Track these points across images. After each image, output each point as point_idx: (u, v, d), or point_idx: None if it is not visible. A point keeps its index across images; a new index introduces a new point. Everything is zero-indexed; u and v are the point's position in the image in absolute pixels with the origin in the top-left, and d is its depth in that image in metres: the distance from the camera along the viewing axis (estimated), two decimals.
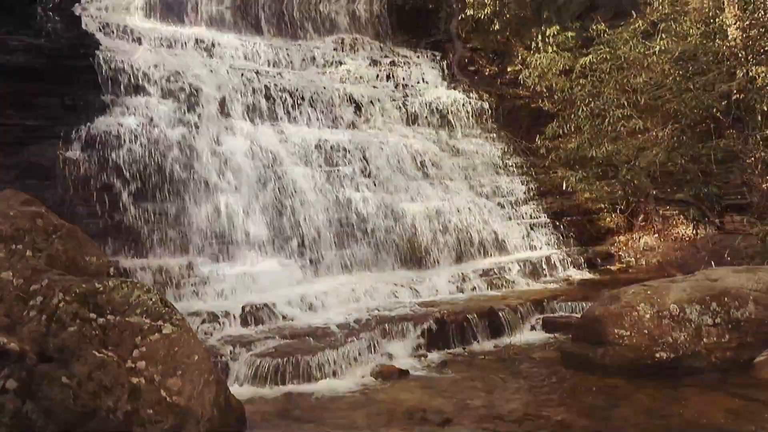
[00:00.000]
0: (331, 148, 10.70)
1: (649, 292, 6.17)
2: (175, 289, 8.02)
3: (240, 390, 5.61)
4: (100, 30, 10.58)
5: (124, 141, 8.59)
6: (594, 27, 13.85)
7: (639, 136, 10.36)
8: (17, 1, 9.15)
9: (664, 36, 11.55)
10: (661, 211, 12.45)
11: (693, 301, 5.91)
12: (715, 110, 9.68)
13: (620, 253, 12.31)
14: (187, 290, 8.08)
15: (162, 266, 8.18)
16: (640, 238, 12.43)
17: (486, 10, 14.70)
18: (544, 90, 14.05)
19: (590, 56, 12.60)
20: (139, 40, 11.05)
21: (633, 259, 12.10)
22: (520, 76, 14.50)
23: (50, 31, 9.21)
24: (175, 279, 8.12)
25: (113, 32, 10.85)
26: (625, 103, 10.87)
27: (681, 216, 12.10)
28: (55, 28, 9.29)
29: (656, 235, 12.35)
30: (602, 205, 13.39)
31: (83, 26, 9.94)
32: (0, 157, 7.86)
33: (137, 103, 9.25)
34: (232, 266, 8.68)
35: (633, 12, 12.90)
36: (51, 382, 3.80)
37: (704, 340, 5.74)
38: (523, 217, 12.49)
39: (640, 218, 12.88)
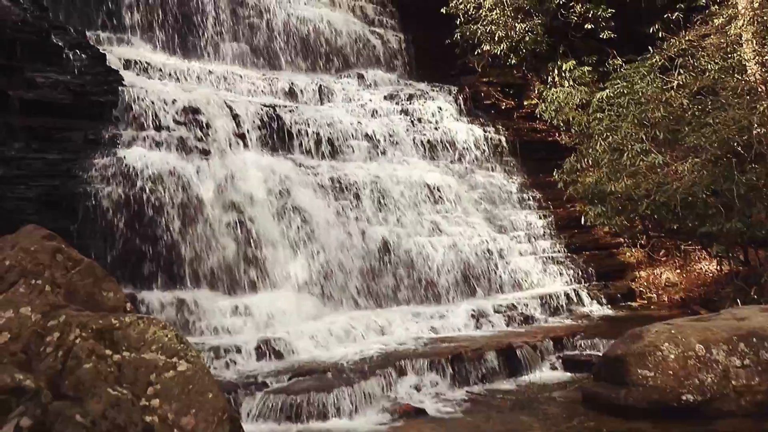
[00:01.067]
0: (346, 181, 10.70)
1: (673, 331, 6.03)
2: (190, 322, 7.99)
3: (254, 427, 5.53)
4: (123, 66, 10.79)
5: (144, 174, 8.65)
6: (610, 61, 13.92)
7: (658, 170, 10.26)
8: (47, 40, 9.34)
9: (681, 71, 11.54)
10: (682, 246, 12.27)
11: (720, 341, 5.76)
12: (736, 144, 9.57)
13: (641, 288, 12.11)
14: (202, 323, 8.05)
15: (177, 299, 8.16)
16: (661, 273, 12.24)
17: (502, 46, 14.82)
18: (561, 124, 14.06)
19: (607, 90, 12.60)
20: (160, 76, 11.25)
21: (654, 294, 11.91)
22: (537, 110, 14.55)
23: (76, 67, 9.38)
24: (190, 312, 8.09)
25: (136, 68, 11.05)
26: (644, 138, 10.80)
27: (703, 251, 11.91)
28: (81, 64, 9.46)
29: (678, 271, 12.16)
30: (622, 240, 13.25)
31: (107, 63, 10.12)
32: (23, 190, 7.93)
33: (157, 137, 9.35)
34: (247, 299, 8.63)
35: (650, 47, 12.93)
36: (65, 421, 3.75)
37: (733, 382, 5.57)
38: (541, 252, 12.38)
39: (661, 253, 12.71)
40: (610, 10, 14.48)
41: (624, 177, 10.65)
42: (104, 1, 12.43)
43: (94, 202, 8.16)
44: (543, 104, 14.33)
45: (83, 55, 9.70)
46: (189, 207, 8.74)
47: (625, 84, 12.20)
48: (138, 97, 9.51)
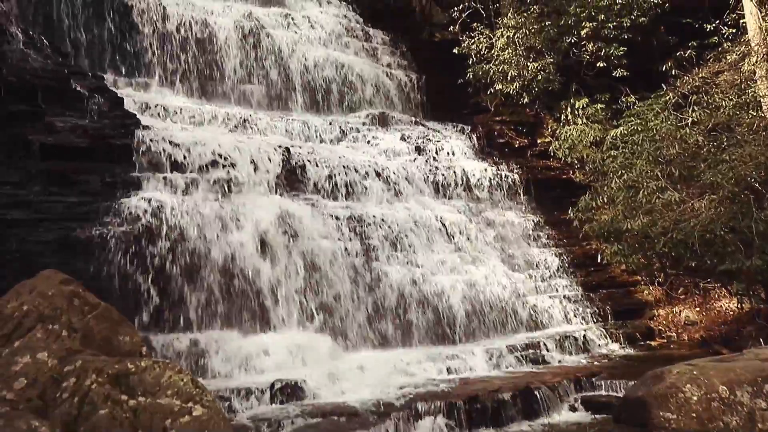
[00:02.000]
0: (361, 221, 10.72)
1: (695, 372, 5.91)
2: (204, 363, 7.96)
3: None
4: (140, 110, 10.99)
5: (160, 216, 8.73)
6: (623, 99, 13.98)
7: (675, 207, 10.19)
8: (67, 86, 9.56)
9: (695, 108, 11.55)
10: (701, 284, 12.10)
11: (744, 382, 5.63)
12: (753, 181, 9.51)
13: (660, 327, 11.92)
14: (214, 365, 8.00)
15: (192, 340, 8.15)
16: (680, 311, 12.06)
17: (515, 85, 14.95)
18: (575, 162, 14.07)
19: (621, 128, 12.64)
20: (177, 119, 11.44)
21: (674, 333, 11.71)
22: (551, 148, 14.58)
23: (95, 111, 9.57)
24: (204, 353, 8.06)
25: (153, 111, 11.26)
26: (659, 175, 10.77)
27: (723, 289, 11.73)
28: (100, 108, 9.65)
29: (698, 309, 11.97)
30: (639, 278, 13.10)
31: (125, 107, 10.32)
32: (42, 232, 8.03)
33: (173, 179, 9.46)
34: (262, 340, 8.60)
35: (663, 85, 12.99)
36: None
37: (759, 425, 5.43)
38: (557, 290, 12.26)
39: (679, 291, 12.54)
40: (622, 49, 14.60)
41: (640, 214, 10.59)
42: (123, 46, 12.74)
43: (111, 244, 8.23)
44: (556, 142, 14.36)
45: (102, 100, 9.91)
46: (204, 248, 8.77)
47: (638, 121, 12.23)
48: (155, 140, 9.65)
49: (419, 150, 13.54)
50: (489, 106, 16.07)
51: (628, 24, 14.64)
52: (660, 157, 11.02)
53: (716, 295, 12.02)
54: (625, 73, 14.57)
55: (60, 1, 12.17)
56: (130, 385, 4.17)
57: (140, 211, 8.64)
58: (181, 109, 11.74)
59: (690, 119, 11.46)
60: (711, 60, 12.67)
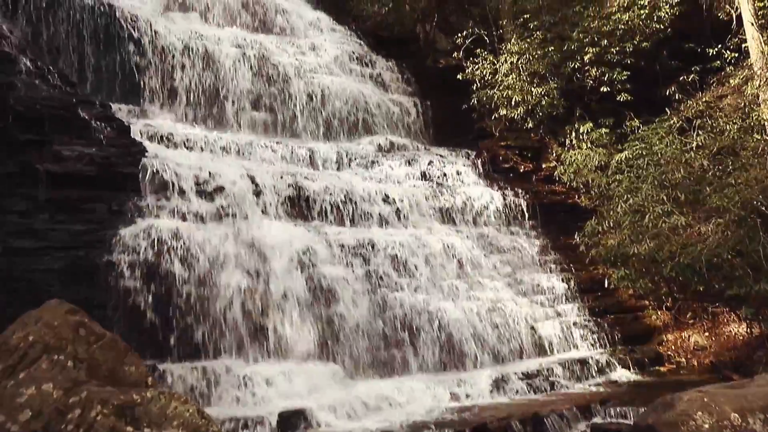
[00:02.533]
0: (366, 247, 10.70)
1: (706, 399, 5.82)
2: (211, 392, 7.90)
3: None
4: (147, 137, 11.06)
5: (166, 243, 8.74)
6: (628, 123, 14.02)
7: (681, 232, 10.15)
8: (74, 114, 9.65)
9: (700, 132, 11.57)
10: (710, 308, 12.00)
11: (756, 409, 5.55)
12: (760, 205, 9.48)
13: (669, 352, 11.80)
14: (222, 394, 7.95)
15: (198, 369, 8.10)
16: (689, 336, 11.94)
17: (519, 110, 15.02)
18: (581, 186, 14.05)
19: (626, 152, 12.65)
20: (183, 146, 11.50)
21: (683, 359, 11.59)
22: (556, 173, 14.58)
23: (102, 139, 9.64)
24: (211, 382, 8.00)
25: (159, 139, 11.33)
26: (665, 199, 10.75)
27: (732, 314, 11.63)
28: (106, 136, 9.72)
29: (707, 334, 11.85)
30: (647, 302, 13.00)
31: (131, 134, 10.40)
32: (48, 261, 8.05)
33: (179, 206, 9.49)
34: (268, 368, 8.54)
35: (667, 109, 13.03)
36: None
37: None
38: (564, 316, 12.16)
39: (688, 315, 12.42)
40: (625, 73, 14.67)
41: (646, 239, 10.55)
42: (128, 74, 12.87)
43: (117, 272, 8.24)
44: (561, 167, 14.37)
45: (109, 128, 9.98)
46: (211, 276, 8.77)
47: (643, 145, 12.24)
48: (161, 168, 9.70)
49: (425, 176, 13.56)
50: (493, 131, 16.11)
51: (631, 49, 14.74)
52: (665, 181, 11.01)
53: (725, 320, 11.90)
54: (629, 98, 14.62)
55: (68, 31, 12.33)
56: (135, 417, 4.14)
57: (147, 238, 8.65)
58: (186, 136, 11.81)
59: (694, 143, 11.47)
60: (714, 84, 12.73)
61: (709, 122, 11.70)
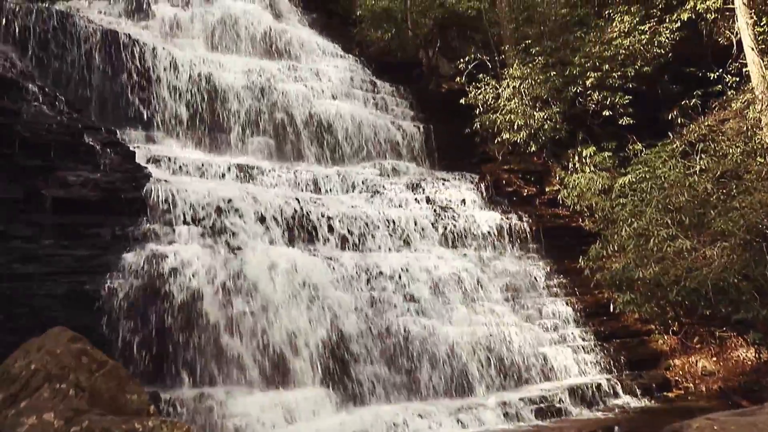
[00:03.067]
0: (370, 272, 10.67)
1: (716, 427, 5.72)
2: (214, 420, 7.82)
3: None
4: (151, 162, 11.11)
5: (170, 269, 8.72)
6: (630, 147, 14.04)
7: (686, 255, 10.10)
8: (80, 140, 9.72)
9: (702, 155, 11.58)
10: (717, 333, 11.88)
11: None
12: (765, 228, 9.44)
13: (677, 378, 11.67)
14: (227, 421, 7.86)
15: (202, 396, 8.03)
16: (697, 361, 11.81)
17: (522, 134, 15.06)
18: (584, 210, 14.04)
19: (629, 176, 12.65)
20: (186, 171, 11.55)
21: (691, 384, 11.46)
22: (559, 196, 14.58)
23: (107, 165, 9.70)
24: (214, 410, 7.93)
25: (163, 164, 11.38)
26: (669, 223, 10.72)
27: (740, 338, 11.51)
28: (111, 162, 9.78)
29: (714, 359, 11.72)
30: (653, 326, 12.89)
31: (136, 160, 10.45)
32: (51, 286, 8.03)
33: (183, 232, 9.49)
34: (273, 396, 8.46)
35: (669, 133, 13.05)
36: None
37: None
38: (570, 340, 12.06)
39: (695, 340, 12.30)
40: (627, 97, 14.74)
41: (651, 263, 10.50)
42: (133, 99, 12.96)
43: (120, 297, 8.21)
44: (565, 190, 14.38)
45: (113, 154, 10.05)
46: (214, 302, 8.73)
47: (646, 169, 12.25)
48: (165, 193, 9.72)
49: (428, 200, 13.57)
50: (497, 155, 16.16)
51: (633, 73, 14.82)
52: (669, 205, 10.99)
53: (733, 344, 11.78)
54: (631, 122, 14.67)
55: (74, 58, 12.45)
56: None
57: (150, 264, 8.64)
58: (190, 161, 11.87)
59: (698, 167, 11.47)
60: (716, 108, 12.75)
61: (712, 146, 11.70)
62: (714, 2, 13.86)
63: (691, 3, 14.46)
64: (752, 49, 11.86)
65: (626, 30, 15.11)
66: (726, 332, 11.79)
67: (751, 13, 12.09)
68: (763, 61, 11.79)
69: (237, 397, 8.08)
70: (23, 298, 7.78)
